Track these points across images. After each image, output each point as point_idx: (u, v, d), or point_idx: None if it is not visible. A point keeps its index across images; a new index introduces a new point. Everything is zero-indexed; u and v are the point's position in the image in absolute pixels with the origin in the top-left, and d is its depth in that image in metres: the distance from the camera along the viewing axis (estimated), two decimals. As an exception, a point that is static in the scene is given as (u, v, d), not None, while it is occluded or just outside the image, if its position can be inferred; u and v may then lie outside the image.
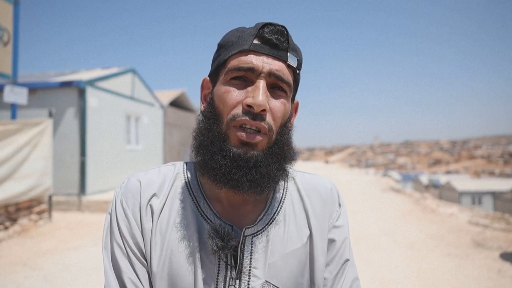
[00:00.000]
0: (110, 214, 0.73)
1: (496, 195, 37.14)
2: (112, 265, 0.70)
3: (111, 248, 0.71)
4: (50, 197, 7.01)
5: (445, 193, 40.50)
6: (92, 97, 9.16)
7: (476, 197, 38.37)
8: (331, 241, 0.78)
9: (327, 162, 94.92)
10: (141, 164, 11.99)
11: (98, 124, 9.44)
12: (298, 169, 0.85)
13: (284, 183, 0.80)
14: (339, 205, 0.83)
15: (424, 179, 56.46)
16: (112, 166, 10.09)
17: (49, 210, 7.02)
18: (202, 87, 0.79)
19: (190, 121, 18.53)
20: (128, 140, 11.36)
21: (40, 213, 6.75)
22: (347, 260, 0.79)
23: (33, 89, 8.68)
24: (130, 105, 11.34)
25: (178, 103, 17.80)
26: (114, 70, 11.32)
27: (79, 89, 8.82)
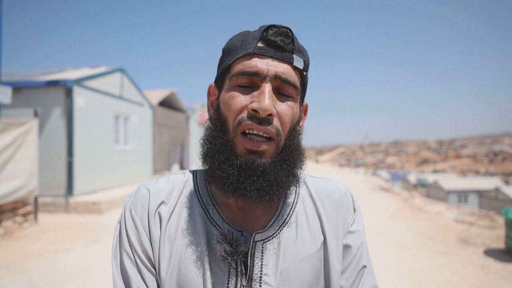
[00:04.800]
0: (120, 223, 0.73)
1: (481, 194, 37.89)
2: (121, 274, 0.69)
3: (120, 257, 0.70)
4: (36, 199, 6.88)
5: (433, 191, 41.14)
6: (80, 97, 9.02)
7: (462, 196, 39.11)
8: (346, 247, 0.75)
9: (317, 161, 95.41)
10: (130, 164, 11.86)
11: (86, 124, 9.30)
12: (310, 174, 0.83)
13: (296, 188, 0.78)
14: (354, 209, 0.80)
15: (413, 178, 57.23)
16: (100, 166, 9.95)
17: (35, 211, 6.89)
18: (209, 93, 0.78)
19: (180, 121, 18.41)
20: (116, 140, 11.22)
21: (25, 215, 6.62)
22: (364, 266, 0.75)
23: (18, 88, 8.49)
24: (118, 105, 11.20)
25: (167, 103, 17.66)
26: (102, 69, 11.17)
27: (66, 89, 8.66)
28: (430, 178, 54.47)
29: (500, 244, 5.61)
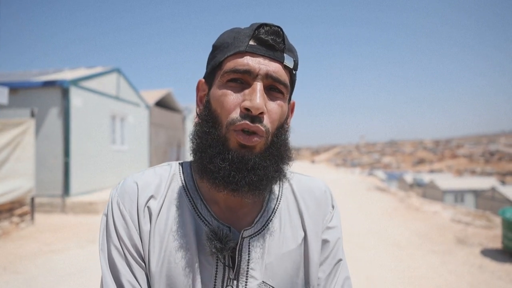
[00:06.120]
0: (106, 216, 0.72)
1: (477, 193, 38.08)
2: (110, 267, 0.69)
3: (108, 250, 0.70)
4: (32, 199, 6.85)
5: (429, 191, 41.30)
6: (76, 97, 8.98)
7: (459, 195, 39.28)
8: (324, 242, 0.80)
9: (313, 161, 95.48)
10: (127, 164, 11.82)
11: (83, 124, 9.27)
12: (294, 171, 0.85)
13: (280, 185, 0.81)
14: (333, 206, 0.84)
15: (409, 178, 57.42)
16: (97, 166, 9.92)
17: (32, 212, 6.86)
18: (198, 89, 0.78)
19: (176, 121, 18.38)
20: (113, 141, 11.19)
21: (22, 215, 6.58)
22: (340, 260, 0.81)
23: (14, 88, 8.45)
24: (115, 105, 11.17)
25: (164, 103, 17.63)
26: (98, 69, 11.13)
27: (63, 89, 8.63)
28: (426, 178, 54.70)
29: (497, 244, 5.65)
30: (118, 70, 11.47)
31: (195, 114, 0.77)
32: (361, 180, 22.10)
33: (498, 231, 6.35)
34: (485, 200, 33.28)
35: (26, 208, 6.70)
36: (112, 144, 11.07)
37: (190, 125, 20.47)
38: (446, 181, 43.75)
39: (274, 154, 0.69)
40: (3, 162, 5.97)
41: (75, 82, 8.96)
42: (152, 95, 15.98)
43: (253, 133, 0.65)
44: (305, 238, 0.78)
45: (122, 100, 11.65)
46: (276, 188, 0.80)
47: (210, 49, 0.76)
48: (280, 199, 0.80)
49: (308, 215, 0.80)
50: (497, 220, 7.42)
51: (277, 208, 0.78)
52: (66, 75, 10.07)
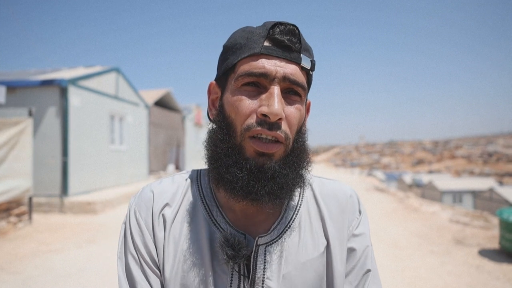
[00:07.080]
0: (125, 224, 0.73)
1: (475, 194, 38.14)
2: (126, 275, 0.70)
3: (125, 258, 0.71)
4: (30, 199, 6.83)
5: (428, 192, 41.35)
6: (75, 96, 8.96)
7: (457, 196, 39.33)
8: (351, 250, 0.74)
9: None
10: (126, 164, 11.80)
11: (81, 123, 9.24)
12: (317, 175, 0.82)
13: (301, 190, 0.77)
14: (359, 212, 0.79)
15: (408, 178, 57.44)
16: (95, 166, 9.90)
17: (29, 212, 6.84)
18: (209, 92, 0.75)
19: (176, 121, 18.36)
20: (112, 140, 11.16)
21: (19, 215, 6.57)
22: (369, 270, 0.74)
23: (12, 87, 8.42)
24: (114, 105, 11.15)
25: (163, 103, 17.60)
26: (97, 69, 11.10)
27: (61, 88, 8.60)
28: (425, 178, 54.73)
29: (495, 244, 5.66)
30: (117, 70, 11.44)
31: (207, 118, 0.75)
32: (360, 180, 22.12)
33: (495, 232, 6.36)
34: (483, 201, 33.33)
35: (23, 208, 6.69)
36: (111, 144, 11.04)
37: (189, 125, 20.44)
38: (445, 181, 43.80)
39: (294, 161, 0.66)
40: (0, 161, 5.95)
41: (74, 81, 8.93)
42: (151, 95, 15.95)
43: (272, 140, 0.63)
44: (327, 246, 0.73)
45: (121, 99, 11.62)
46: (296, 193, 0.76)
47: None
48: (301, 204, 0.75)
49: (331, 222, 0.75)
50: (495, 221, 7.43)
51: (296, 214, 0.74)
52: (65, 74, 10.03)
